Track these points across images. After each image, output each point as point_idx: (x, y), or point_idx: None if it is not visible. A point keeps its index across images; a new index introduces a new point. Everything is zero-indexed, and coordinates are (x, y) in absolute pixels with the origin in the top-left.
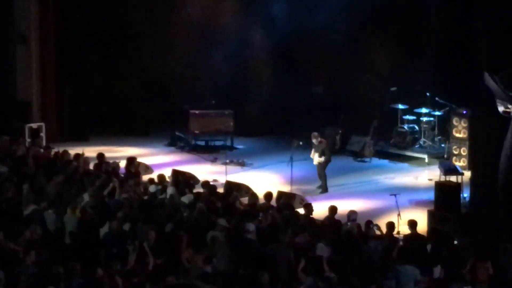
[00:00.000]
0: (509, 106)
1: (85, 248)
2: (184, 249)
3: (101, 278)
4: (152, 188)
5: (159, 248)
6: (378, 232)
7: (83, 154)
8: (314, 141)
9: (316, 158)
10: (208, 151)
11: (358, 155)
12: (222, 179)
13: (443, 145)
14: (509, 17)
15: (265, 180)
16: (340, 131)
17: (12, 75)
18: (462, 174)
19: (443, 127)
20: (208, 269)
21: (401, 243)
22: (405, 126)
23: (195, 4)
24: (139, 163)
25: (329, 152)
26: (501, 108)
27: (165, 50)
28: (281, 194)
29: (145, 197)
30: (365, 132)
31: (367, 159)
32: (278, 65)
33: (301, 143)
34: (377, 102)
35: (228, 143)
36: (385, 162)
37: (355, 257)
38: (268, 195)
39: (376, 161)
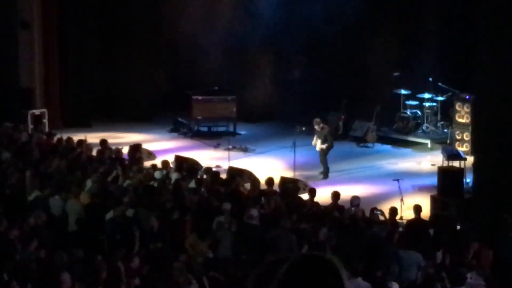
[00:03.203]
0: None
1: (89, 235)
2: (188, 234)
3: (102, 264)
4: (157, 174)
5: (163, 234)
6: (382, 218)
7: (85, 140)
8: (316, 127)
9: (319, 145)
10: (210, 137)
11: (361, 141)
12: (224, 165)
13: (446, 130)
14: (510, 2)
15: (267, 166)
16: (343, 117)
17: (14, 62)
18: (465, 159)
19: (446, 112)
20: (211, 254)
21: (401, 228)
22: (408, 111)
23: None
24: (142, 149)
25: (331, 138)
26: None
27: (167, 37)
28: (284, 179)
29: (150, 183)
30: (368, 118)
31: (370, 145)
32: (279, 52)
33: (303, 128)
34: (380, 87)
35: (231, 129)
36: (388, 147)
37: (358, 243)
38: (270, 181)
39: (379, 146)
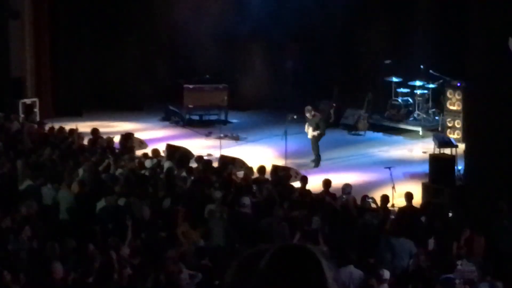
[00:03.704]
0: None
1: (81, 224)
2: (180, 223)
3: (95, 253)
4: (147, 163)
5: (155, 223)
6: (373, 205)
7: (77, 129)
8: (307, 114)
9: (310, 132)
10: (202, 125)
11: (352, 128)
12: (216, 153)
13: (437, 118)
14: None
15: (259, 154)
16: (334, 104)
17: (5, 51)
18: (456, 146)
19: (437, 100)
20: (203, 243)
21: (392, 216)
22: (399, 99)
23: None
24: (134, 138)
25: (323, 125)
26: None
27: (159, 26)
28: (275, 167)
29: (141, 172)
30: (360, 105)
31: (362, 132)
32: (271, 39)
33: (295, 116)
34: (371, 75)
35: (223, 117)
36: (379, 135)
37: (351, 230)
38: (261, 169)
39: (370, 134)
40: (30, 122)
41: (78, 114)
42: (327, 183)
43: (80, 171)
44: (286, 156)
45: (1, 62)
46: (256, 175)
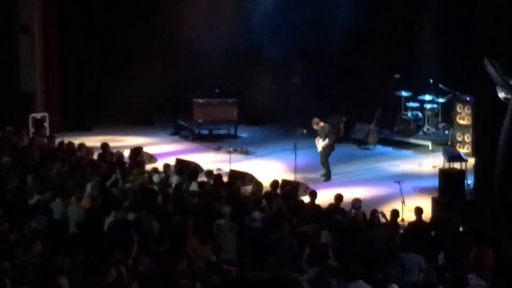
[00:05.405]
0: (509, 93)
1: (90, 238)
2: (190, 238)
3: (106, 268)
4: (155, 178)
5: (164, 237)
6: (383, 220)
7: (84, 144)
8: (315, 127)
9: (321, 143)
10: (211, 140)
11: (362, 143)
12: (226, 168)
13: (446, 132)
14: (510, 3)
15: (269, 169)
16: (344, 119)
17: (15, 66)
18: (466, 161)
19: (447, 114)
20: (213, 258)
21: (402, 230)
22: (409, 113)
23: None
24: (143, 153)
25: (333, 136)
26: (501, 95)
27: (168, 40)
28: (285, 182)
29: (150, 186)
30: (369, 120)
31: (371, 147)
32: (280, 54)
33: (305, 131)
34: (380, 89)
35: (232, 131)
36: (389, 149)
37: (360, 245)
38: (274, 184)
39: (380, 148)
40: (40, 136)
41: (88, 128)
42: (339, 197)
43: (89, 186)
44: (296, 170)
45: (11, 77)
46: (268, 189)
